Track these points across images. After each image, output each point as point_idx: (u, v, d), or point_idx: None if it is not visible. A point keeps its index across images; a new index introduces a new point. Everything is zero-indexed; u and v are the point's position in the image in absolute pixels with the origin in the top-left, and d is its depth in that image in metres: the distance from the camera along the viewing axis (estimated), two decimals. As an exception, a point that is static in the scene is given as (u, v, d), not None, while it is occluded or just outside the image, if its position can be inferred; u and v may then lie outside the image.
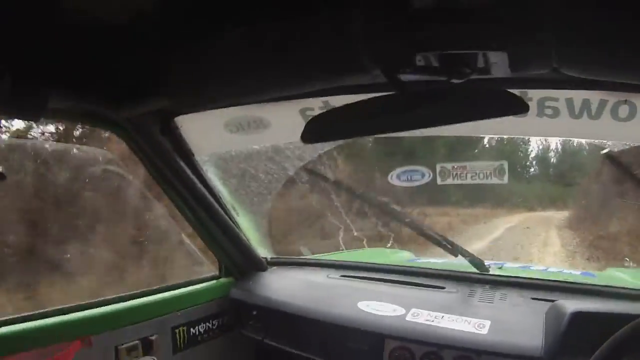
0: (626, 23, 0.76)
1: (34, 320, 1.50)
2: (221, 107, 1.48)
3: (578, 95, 1.40)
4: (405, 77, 0.97)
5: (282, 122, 1.63)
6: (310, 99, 1.48)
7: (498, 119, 1.07)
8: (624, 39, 0.77)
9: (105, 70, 1.24)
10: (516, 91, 1.30)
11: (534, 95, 1.41)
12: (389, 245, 3.41)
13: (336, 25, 0.93)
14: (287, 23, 0.98)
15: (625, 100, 1.36)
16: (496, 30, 0.87)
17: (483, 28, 0.87)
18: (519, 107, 0.97)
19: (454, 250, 1.97)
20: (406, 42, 0.92)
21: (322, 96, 1.46)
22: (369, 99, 0.99)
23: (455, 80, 0.98)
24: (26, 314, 1.51)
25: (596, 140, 1.63)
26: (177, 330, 1.91)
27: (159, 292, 1.89)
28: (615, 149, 1.63)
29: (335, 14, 0.93)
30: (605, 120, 1.41)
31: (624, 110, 1.38)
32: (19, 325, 1.46)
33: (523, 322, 1.62)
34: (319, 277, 2.17)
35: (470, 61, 0.97)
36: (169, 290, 1.93)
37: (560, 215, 8.88)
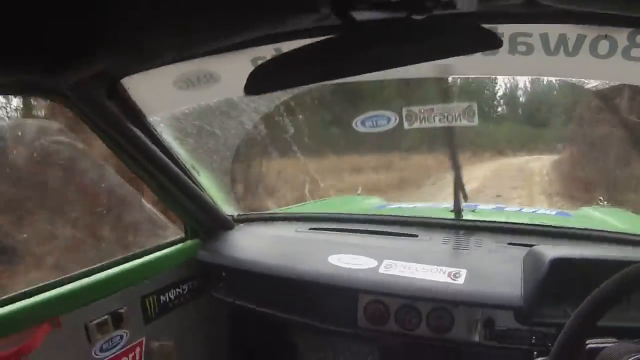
0: None
1: None
2: (166, 63, 1.36)
3: (554, 30, 1.30)
4: (359, 16, 0.86)
5: (233, 74, 1.50)
6: (261, 47, 1.36)
7: (465, 58, 0.98)
8: None
9: (38, 35, 1.11)
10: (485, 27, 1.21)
11: (505, 31, 1.31)
12: (358, 192, 3.39)
13: None
14: None
15: (605, 35, 1.27)
16: None
17: None
18: (491, 42, 0.87)
19: None
20: None
21: (273, 43, 1.34)
22: (318, 41, 0.88)
23: (416, 17, 0.88)
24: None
25: (572, 79, 1.55)
26: (146, 300, 1.86)
27: (124, 262, 1.81)
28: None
29: None
30: (583, 57, 1.33)
31: (603, 46, 1.30)
32: None
33: (500, 269, 1.61)
34: (287, 231, 2.13)
35: None
36: (134, 259, 1.85)
37: (535, 161, 9.11)
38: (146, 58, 1.00)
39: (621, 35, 1.26)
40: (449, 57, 0.92)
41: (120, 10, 0.98)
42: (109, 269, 1.75)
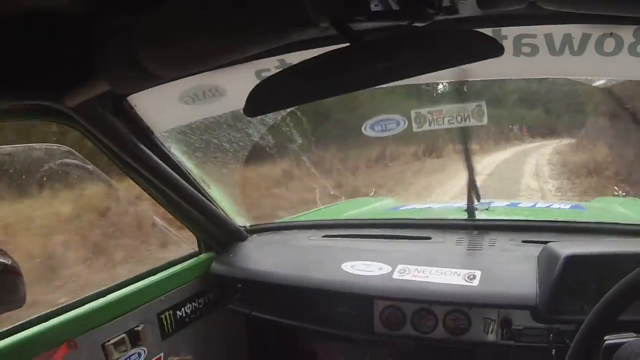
0: None
1: (14, 334, 1.42)
2: (168, 81, 1.35)
3: (558, 30, 1.28)
4: (360, 26, 0.85)
5: (238, 87, 1.50)
6: (264, 59, 1.36)
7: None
8: None
9: (40, 60, 1.13)
10: (488, 30, 1.19)
11: (508, 33, 1.29)
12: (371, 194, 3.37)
13: None
14: None
15: (611, 33, 1.25)
16: None
17: None
18: (493, 50, 0.85)
19: None
20: None
21: (276, 55, 1.33)
22: (319, 55, 0.87)
23: (418, 24, 0.86)
24: (3, 329, 1.42)
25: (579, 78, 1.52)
26: (162, 316, 1.86)
27: (139, 280, 1.82)
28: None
29: None
30: (589, 55, 1.31)
31: (609, 44, 1.28)
32: None
33: (514, 269, 1.59)
34: (300, 240, 2.12)
35: (434, 1, 0.85)
36: (149, 275, 1.86)
37: (550, 147, 9.02)
38: (150, 76, 0.99)
39: (627, 33, 1.24)
40: (452, 66, 0.90)
41: (121, 31, 0.98)
42: (124, 287, 1.75)
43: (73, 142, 1.72)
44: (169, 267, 1.94)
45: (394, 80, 0.99)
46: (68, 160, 1.85)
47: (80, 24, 1.05)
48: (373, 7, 0.84)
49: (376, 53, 0.84)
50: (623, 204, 2.38)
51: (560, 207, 2.23)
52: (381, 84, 0.97)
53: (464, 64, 0.90)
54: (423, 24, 0.86)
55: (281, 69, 0.94)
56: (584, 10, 0.87)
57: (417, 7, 0.84)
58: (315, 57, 0.85)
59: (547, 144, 9.18)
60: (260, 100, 0.92)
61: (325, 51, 0.85)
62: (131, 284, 1.78)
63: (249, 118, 1.86)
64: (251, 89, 0.91)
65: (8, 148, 1.93)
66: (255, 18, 0.85)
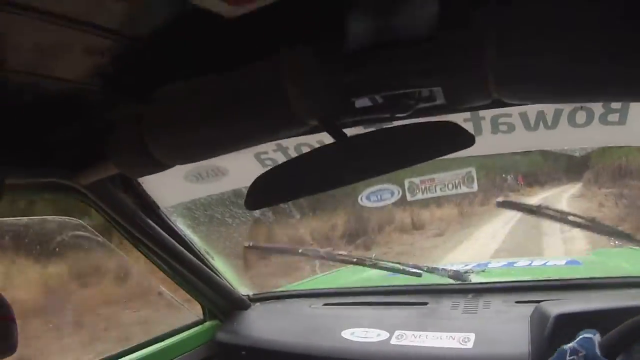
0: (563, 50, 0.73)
1: None
2: (170, 167, 1.46)
3: (532, 109, 1.38)
4: (346, 121, 0.95)
5: (239, 168, 1.62)
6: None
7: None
8: (565, 70, 0.74)
9: (55, 141, 1.22)
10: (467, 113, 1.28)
11: (486, 114, 1.40)
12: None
13: (266, 79, 0.90)
14: (218, 79, 0.95)
15: (581, 107, 1.35)
16: (433, 66, 0.84)
17: (418, 64, 0.85)
18: (465, 141, 0.94)
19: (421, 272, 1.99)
20: (341, 90, 0.88)
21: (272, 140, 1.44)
22: (310, 152, 0.96)
23: (400, 115, 0.95)
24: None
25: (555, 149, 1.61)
26: None
27: (143, 347, 1.83)
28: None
29: (263, 67, 0.90)
30: (562, 128, 1.41)
31: (581, 117, 1.38)
32: None
33: (508, 330, 1.61)
34: (302, 308, 2.15)
35: (412, 94, 0.94)
36: (154, 343, 1.87)
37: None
38: (157, 164, 1.08)
39: (596, 105, 1.34)
40: (429, 159, 0.99)
41: (130, 119, 1.08)
42: (128, 354, 1.76)
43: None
44: (174, 335, 1.96)
45: (379, 174, 1.07)
46: (79, 233, 1.92)
47: (92, 110, 1.16)
48: (358, 104, 0.94)
49: (362, 149, 0.92)
50: (621, 256, 2.39)
51: (555, 264, 2.25)
52: (368, 178, 1.05)
53: (440, 156, 0.98)
54: (404, 114, 0.95)
55: (278, 165, 1.03)
56: (546, 102, 0.95)
57: (398, 101, 0.93)
58: (307, 153, 0.94)
59: (548, 193, 9.01)
60: (260, 194, 1.00)
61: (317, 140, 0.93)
62: (136, 351, 1.79)
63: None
64: (251, 169, 0.99)
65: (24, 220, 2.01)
66: (246, 116, 0.95)
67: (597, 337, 1.09)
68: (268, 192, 0.99)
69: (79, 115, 1.17)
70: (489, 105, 1.19)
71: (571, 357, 1.05)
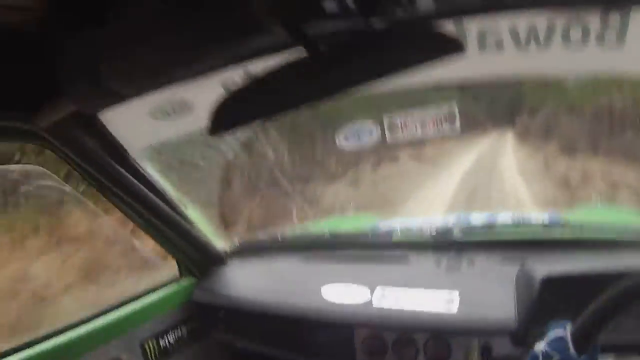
0: None
1: None
2: (136, 97, 1.36)
3: (522, 23, 1.30)
4: (315, 30, 0.84)
5: (206, 101, 1.49)
6: (230, 71, 1.36)
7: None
8: None
9: (7, 83, 1.12)
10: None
11: (472, 27, 1.32)
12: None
13: None
14: None
15: (576, 20, 1.27)
16: None
17: None
18: (453, 47, 0.85)
19: None
20: None
21: (239, 64, 1.33)
22: (275, 68, 0.86)
23: (376, 22, 0.86)
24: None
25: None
26: (146, 345, 1.80)
27: (118, 308, 1.76)
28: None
29: None
30: (556, 48, 1.33)
31: (576, 33, 1.30)
32: None
33: (493, 291, 1.59)
34: (280, 262, 2.11)
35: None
36: (128, 302, 1.81)
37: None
38: (114, 94, 0.99)
39: (593, 21, 1.27)
40: (413, 67, 0.89)
41: (80, 48, 0.99)
42: (102, 315, 1.70)
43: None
44: (149, 294, 1.89)
45: (357, 86, 0.97)
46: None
47: (37, 40, 1.05)
48: (328, 9, 0.84)
49: (335, 60, 0.84)
50: (604, 213, 2.38)
51: (539, 220, 2.22)
52: (345, 92, 0.95)
53: (427, 62, 0.89)
54: (381, 23, 0.86)
55: (240, 86, 0.93)
56: None
57: (374, 4, 0.84)
58: (272, 70, 0.85)
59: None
60: (222, 118, 0.92)
61: (285, 60, 0.85)
62: (110, 311, 1.73)
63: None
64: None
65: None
66: (207, 25, 0.85)
67: (568, 330, 1.04)
68: (230, 115, 0.92)
69: (25, 48, 1.07)
70: (483, 4, 1.12)
71: None
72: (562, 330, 1.05)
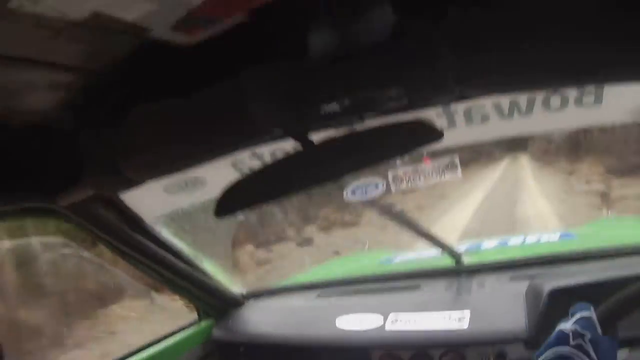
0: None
1: None
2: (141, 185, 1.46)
3: (505, 98, 1.37)
4: (312, 127, 0.94)
5: (218, 178, 1.58)
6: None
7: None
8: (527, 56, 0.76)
9: (31, 165, 1.22)
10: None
11: (458, 107, 1.38)
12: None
13: (228, 98, 0.91)
14: (183, 101, 0.95)
15: (555, 91, 1.33)
16: (393, 69, 0.83)
17: (378, 70, 0.84)
18: (433, 136, 0.93)
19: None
20: (303, 100, 0.88)
21: (247, 148, 1.42)
22: (278, 161, 0.97)
23: (368, 116, 0.94)
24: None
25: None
26: None
27: (141, 351, 1.84)
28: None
29: (225, 87, 0.91)
30: (538, 113, 1.40)
31: (555, 101, 1.36)
32: None
33: (503, 306, 1.62)
34: (295, 301, 2.18)
35: (379, 96, 0.93)
36: (150, 346, 1.88)
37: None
38: (130, 181, 1.09)
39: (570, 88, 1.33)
40: (399, 156, 0.99)
41: (103, 142, 1.08)
42: (126, 359, 1.77)
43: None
44: (170, 337, 1.97)
45: (348, 174, 1.08)
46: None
47: (65, 135, 1.15)
48: (322, 112, 0.92)
49: (329, 153, 0.92)
50: (613, 227, 2.39)
51: (549, 239, 2.25)
52: (339, 179, 1.05)
53: (410, 152, 0.98)
54: (373, 115, 0.94)
55: (247, 175, 1.02)
56: (512, 92, 0.94)
57: (366, 102, 0.92)
58: (274, 161, 0.94)
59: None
60: (227, 204, 1.00)
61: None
62: (132, 356, 1.80)
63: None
64: (229, 179, 0.99)
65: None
66: (216, 130, 0.95)
67: (592, 313, 1.07)
68: (235, 200, 1.00)
69: (54, 141, 1.17)
70: (452, 99, 1.20)
71: (576, 341, 1.01)
72: (588, 312, 1.06)
